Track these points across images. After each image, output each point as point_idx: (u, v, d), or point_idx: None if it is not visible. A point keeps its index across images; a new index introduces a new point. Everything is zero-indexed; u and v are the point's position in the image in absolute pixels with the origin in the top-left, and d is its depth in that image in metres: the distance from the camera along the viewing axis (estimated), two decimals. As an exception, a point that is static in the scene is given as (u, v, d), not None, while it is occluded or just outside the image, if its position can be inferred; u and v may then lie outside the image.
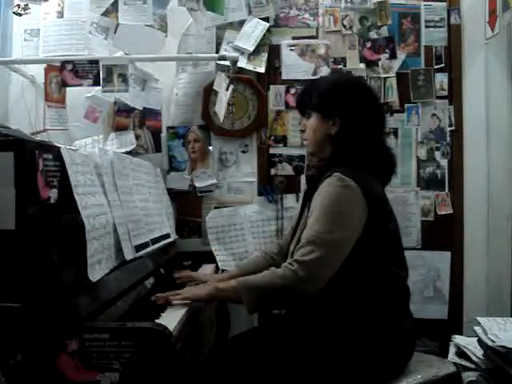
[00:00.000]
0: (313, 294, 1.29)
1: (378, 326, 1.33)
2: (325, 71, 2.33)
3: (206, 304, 1.51)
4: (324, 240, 1.29)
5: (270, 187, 2.35)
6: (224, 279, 1.62)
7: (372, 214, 1.34)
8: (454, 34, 2.35)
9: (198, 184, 2.35)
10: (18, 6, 2.08)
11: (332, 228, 1.30)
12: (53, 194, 1.11)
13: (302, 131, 1.55)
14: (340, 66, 2.36)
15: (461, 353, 1.57)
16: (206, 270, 2.05)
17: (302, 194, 1.66)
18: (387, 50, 2.35)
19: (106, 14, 2.25)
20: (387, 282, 1.36)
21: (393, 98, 2.34)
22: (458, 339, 1.63)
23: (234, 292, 1.33)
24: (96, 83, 2.11)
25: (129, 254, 1.40)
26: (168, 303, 1.40)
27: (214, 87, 2.27)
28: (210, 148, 2.38)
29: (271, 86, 2.38)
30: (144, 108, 2.31)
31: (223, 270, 2.07)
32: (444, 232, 2.35)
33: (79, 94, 2.23)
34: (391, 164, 1.50)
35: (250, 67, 2.33)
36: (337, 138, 1.45)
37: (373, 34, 2.37)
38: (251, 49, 2.30)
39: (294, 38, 2.38)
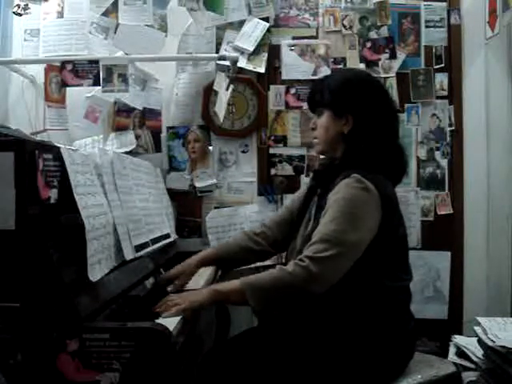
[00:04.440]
0: (319, 293, 1.27)
1: (380, 328, 1.33)
2: (325, 71, 2.33)
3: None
4: (339, 240, 1.26)
5: (270, 187, 2.35)
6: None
7: (385, 219, 1.32)
8: (454, 34, 2.36)
9: (198, 184, 2.35)
10: (18, 6, 2.08)
11: (348, 229, 1.27)
12: (53, 194, 1.11)
13: (313, 129, 1.50)
14: (340, 66, 2.36)
15: (461, 353, 1.57)
16: (206, 270, 2.05)
17: (304, 188, 1.63)
18: (387, 50, 2.35)
19: (106, 13, 2.25)
20: (393, 286, 1.36)
21: (393, 98, 2.33)
22: (458, 339, 1.63)
23: (238, 294, 1.28)
24: (96, 83, 2.11)
25: (129, 254, 1.40)
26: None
27: (214, 87, 2.27)
28: (210, 148, 2.37)
29: (271, 86, 2.37)
30: (144, 108, 2.31)
31: (222, 271, 2.06)
32: (444, 232, 2.35)
33: (79, 94, 2.23)
34: (404, 164, 1.47)
35: (249, 67, 2.33)
36: (350, 137, 1.41)
37: (373, 34, 2.37)
38: (251, 49, 2.30)
39: (294, 38, 2.38)
